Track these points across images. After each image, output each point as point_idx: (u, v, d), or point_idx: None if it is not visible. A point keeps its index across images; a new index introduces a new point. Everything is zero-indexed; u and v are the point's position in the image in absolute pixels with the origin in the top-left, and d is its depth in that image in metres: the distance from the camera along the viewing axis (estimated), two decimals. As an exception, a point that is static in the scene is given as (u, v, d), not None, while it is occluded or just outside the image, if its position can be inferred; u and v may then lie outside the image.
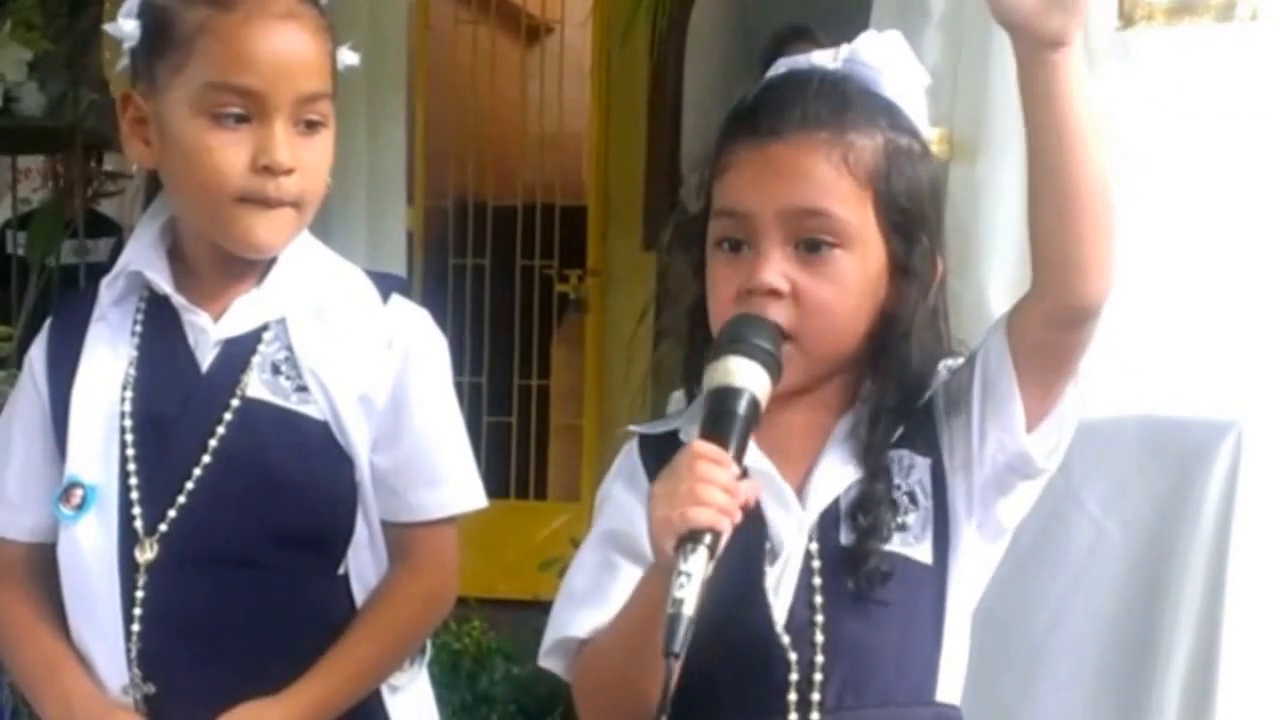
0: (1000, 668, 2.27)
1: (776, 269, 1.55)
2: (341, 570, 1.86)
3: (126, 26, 1.85)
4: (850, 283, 1.57)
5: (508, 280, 6.18)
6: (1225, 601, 2.14)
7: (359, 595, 1.87)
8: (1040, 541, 2.22)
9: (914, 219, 1.60)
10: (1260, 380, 2.43)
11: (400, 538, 1.89)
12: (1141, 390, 2.37)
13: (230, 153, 1.78)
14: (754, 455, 1.55)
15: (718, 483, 1.41)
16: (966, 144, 2.56)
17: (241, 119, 1.79)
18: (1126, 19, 2.53)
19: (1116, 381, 2.30)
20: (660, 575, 1.44)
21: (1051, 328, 1.51)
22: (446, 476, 1.90)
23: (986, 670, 2.24)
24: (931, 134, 2.57)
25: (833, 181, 1.56)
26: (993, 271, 2.40)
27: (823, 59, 1.63)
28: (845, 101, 1.59)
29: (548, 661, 1.63)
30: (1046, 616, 2.28)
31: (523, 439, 6.09)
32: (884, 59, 1.64)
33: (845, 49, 1.63)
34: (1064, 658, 2.26)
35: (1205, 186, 2.51)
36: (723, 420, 1.47)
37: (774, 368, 1.50)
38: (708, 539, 1.40)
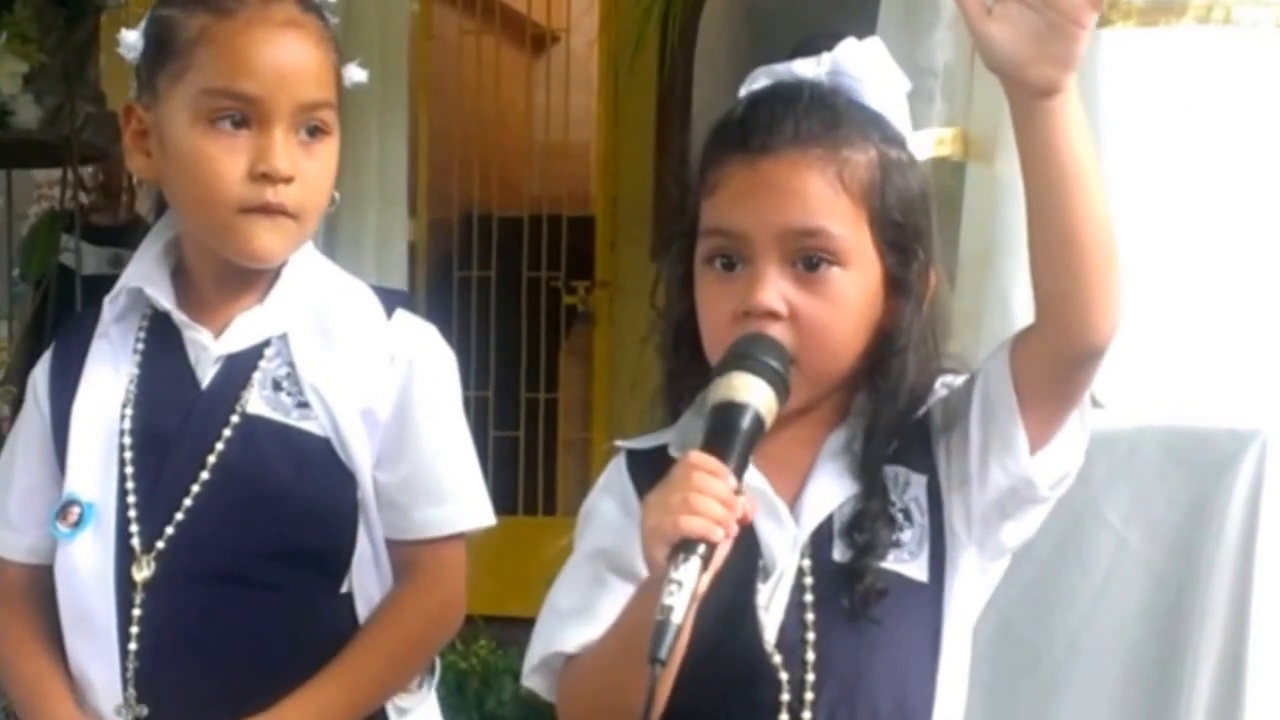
0: (1022, 682, 2.25)
1: (774, 290, 1.54)
2: (345, 589, 1.84)
3: (129, 38, 1.85)
4: (848, 301, 1.55)
5: (514, 292, 6.15)
6: (1251, 611, 2.12)
7: (363, 614, 1.85)
8: (1061, 554, 2.20)
9: (908, 233, 1.59)
10: (1283, 388, 2.40)
11: (406, 556, 1.87)
12: (1163, 400, 2.34)
13: (228, 160, 1.77)
14: (747, 470, 1.52)
15: (713, 493, 1.39)
16: (984, 142, 2.53)
17: (239, 124, 1.78)
18: (1102, 19, 2.49)
19: (1137, 391, 2.28)
20: (652, 590, 1.41)
21: (1055, 366, 1.49)
22: (453, 492, 1.88)
23: (1009, 685, 2.22)
24: (946, 134, 2.54)
25: (829, 199, 1.54)
26: (1016, 278, 2.37)
27: (804, 69, 1.61)
28: (837, 116, 1.57)
29: (532, 680, 1.60)
30: (1069, 630, 2.25)
31: (530, 454, 6.06)
32: (865, 67, 1.62)
33: (826, 58, 1.61)
34: (1087, 671, 2.23)
35: (1225, 193, 2.49)
36: (724, 435, 1.44)
37: (781, 387, 1.47)
38: (701, 549, 1.37)
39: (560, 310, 6.12)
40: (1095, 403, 1.55)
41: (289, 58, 1.79)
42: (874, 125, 1.59)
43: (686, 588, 1.36)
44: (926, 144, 2.49)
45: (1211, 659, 2.13)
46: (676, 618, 1.35)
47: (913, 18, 2.61)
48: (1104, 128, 2.37)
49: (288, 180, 1.77)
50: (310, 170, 1.80)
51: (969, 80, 2.54)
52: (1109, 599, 2.23)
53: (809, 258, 1.54)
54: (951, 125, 2.54)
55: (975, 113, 2.54)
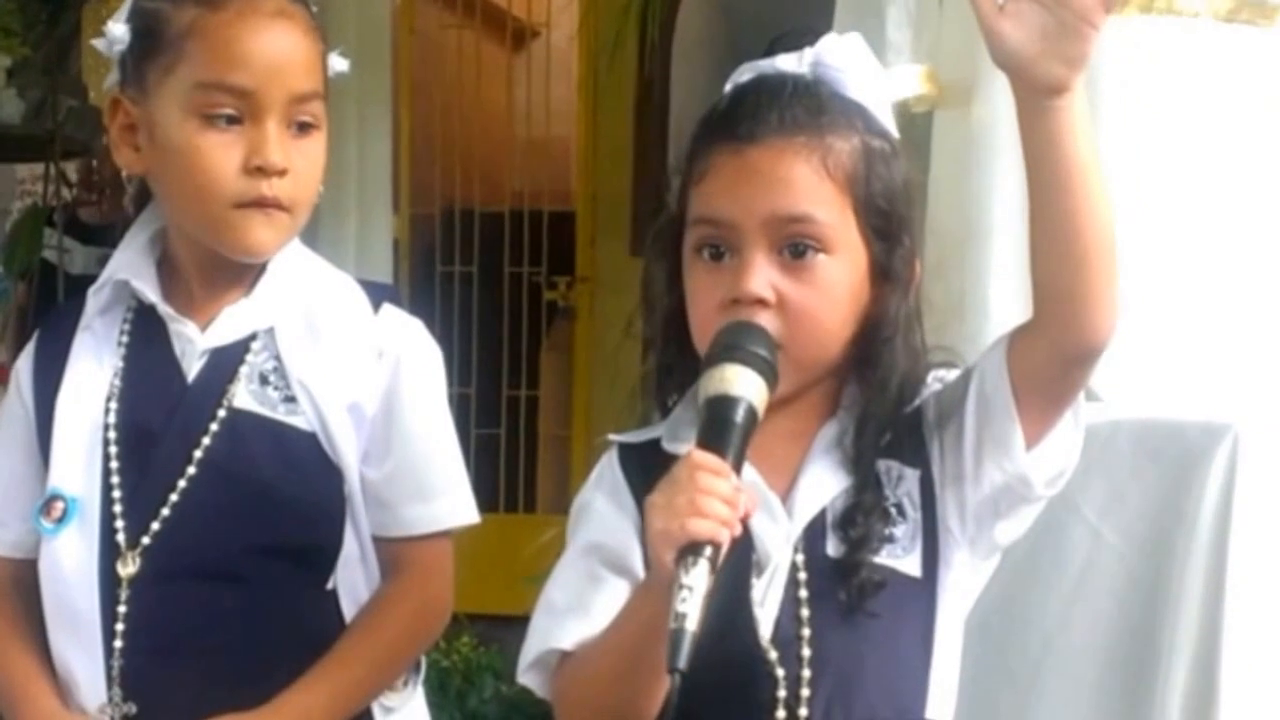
0: (999, 680, 2.25)
1: (762, 278, 1.55)
2: (330, 585, 1.83)
3: (116, 30, 1.83)
4: (835, 288, 1.57)
5: (495, 288, 6.13)
6: (1225, 606, 2.12)
7: (348, 611, 1.84)
8: (1037, 550, 2.19)
9: (893, 221, 1.60)
10: (1255, 383, 2.42)
11: (392, 553, 1.86)
12: (1136, 394, 2.35)
13: (222, 155, 1.76)
14: None
15: (718, 494, 1.40)
16: (956, 87, 2.47)
17: (233, 120, 1.77)
18: None
19: (1110, 386, 2.28)
20: (656, 590, 1.42)
21: (1053, 363, 1.50)
22: (439, 489, 1.88)
23: (985, 683, 2.21)
24: (916, 71, 2.49)
25: (814, 186, 1.56)
26: (989, 274, 2.37)
27: (787, 63, 1.63)
28: (821, 105, 1.59)
29: (528, 677, 1.60)
30: (1046, 626, 2.25)
31: (511, 451, 6.04)
32: (847, 60, 1.64)
33: (809, 53, 1.63)
34: (1064, 667, 2.23)
35: (1198, 189, 2.49)
36: (721, 429, 1.45)
37: (770, 376, 1.48)
38: (708, 551, 1.38)
39: (541, 306, 6.11)
40: (1095, 397, 1.56)
41: (280, 48, 1.79)
42: (857, 115, 1.61)
43: (698, 592, 1.36)
44: (900, 82, 2.46)
45: (1187, 651, 2.13)
46: (691, 625, 1.35)
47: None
48: (1116, 124, 2.36)
49: (282, 173, 1.77)
50: (301, 163, 1.79)
51: (938, 25, 2.49)
52: (1085, 593, 2.23)
53: (795, 245, 1.55)
54: (918, 63, 2.47)
55: (944, 55, 2.48)
